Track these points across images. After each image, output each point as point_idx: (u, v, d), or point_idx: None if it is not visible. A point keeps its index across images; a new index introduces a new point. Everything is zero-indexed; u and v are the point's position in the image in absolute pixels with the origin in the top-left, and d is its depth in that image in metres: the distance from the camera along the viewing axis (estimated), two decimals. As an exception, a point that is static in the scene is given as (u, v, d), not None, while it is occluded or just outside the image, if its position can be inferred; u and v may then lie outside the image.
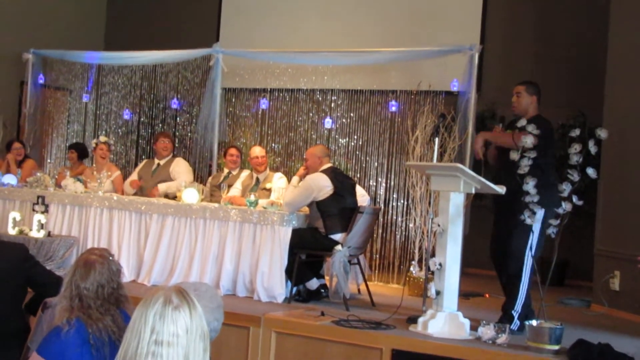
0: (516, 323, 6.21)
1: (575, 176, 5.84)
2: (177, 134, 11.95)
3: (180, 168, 8.92)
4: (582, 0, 10.37)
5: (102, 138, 9.55)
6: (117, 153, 11.81)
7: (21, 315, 4.91)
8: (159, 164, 8.92)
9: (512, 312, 6.29)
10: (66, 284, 3.49)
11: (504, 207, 6.36)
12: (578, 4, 10.41)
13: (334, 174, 7.36)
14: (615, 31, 8.31)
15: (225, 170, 8.98)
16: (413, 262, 8.26)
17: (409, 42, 10.13)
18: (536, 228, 6.19)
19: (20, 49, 11.30)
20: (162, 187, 8.52)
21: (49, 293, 4.51)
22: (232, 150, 9.07)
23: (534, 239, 6.22)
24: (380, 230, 9.52)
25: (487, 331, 5.72)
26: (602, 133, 5.92)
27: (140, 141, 12.08)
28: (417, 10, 11.12)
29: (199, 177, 10.20)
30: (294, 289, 7.21)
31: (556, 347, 5.47)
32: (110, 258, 3.60)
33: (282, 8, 12.01)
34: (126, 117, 12.06)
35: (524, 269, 6.26)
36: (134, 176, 9.08)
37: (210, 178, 9.14)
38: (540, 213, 6.07)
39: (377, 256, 9.41)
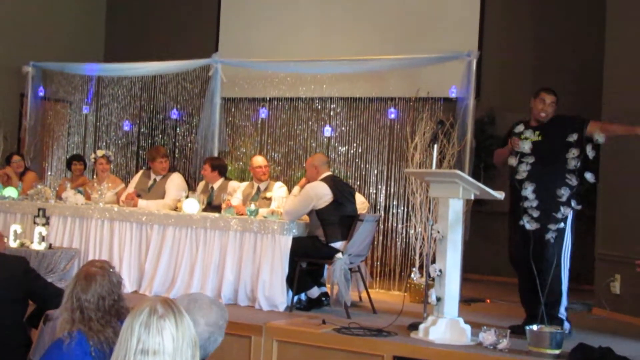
0: (566, 326, 6.28)
1: (573, 181, 5.87)
2: (177, 144, 11.98)
3: (171, 184, 8.61)
4: (580, 5, 10.40)
5: (100, 152, 9.48)
6: (117, 164, 11.83)
7: (23, 328, 4.92)
8: (155, 180, 8.75)
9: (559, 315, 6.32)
10: (67, 296, 3.51)
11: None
12: (575, 9, 10.44)
13: (334, 182, 7.38)
14: (611, 36, 8.34)
15: (209, 185, 8.73)
16: (414, 269, 8.27)
17: (407, 49, 10.15)
18: (568, 230, 6.25)
19: (20, 61, 11.33)
20: (142, 204, 8.40)
21: (51, 305, 4.53)
22: (205, 165, 8.81)
23: (567, 240, 6.27)
24: (380, 238, 9.54)
25: (488, 337, 5.73)
26: (600, 138, 5.95)
27: (140, 152, 12.10)
28: (414, 18, 11.15)
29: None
30: (295, 297, 7.22)
31: (557, 352, 5.48)
32: (111, 270, 3.62)
33: (281, 17, 12.05)
34: (126, 128, 12.07)
35: (563, 273, 6.32)
36: (130, 190, 8.77)
37: (199, 192, 8.65)
38: (570, 214, 6.13)
39: (378, 263, 9.42)
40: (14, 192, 8.94)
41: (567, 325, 6.33)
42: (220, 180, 8.69)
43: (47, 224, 7.93)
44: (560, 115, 6.63)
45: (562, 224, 6.00)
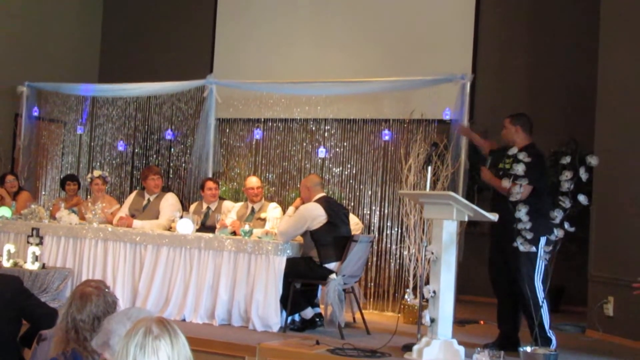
0: (553, 343, 6.44)
1: (566, 203, 5.89)
2: (171, 164, 11.98)
3: (166, 204, 8.56)
4: (573, 29, 10.46)
5: (96, 172, 9.47)
6: (111, 184, 11.81)
7: (16, 348, 4.91)
8: (149, 200, 8.71)
9: (547, 333, 6.48)
10: (62, 315, 3.51)
11: (502, 234, 6.43)
12: (569, 32, 10.50)
13: (328, 203, 7.39)
14: (604, 60, 8.39)
15: (204, 206, 8.67)
16: (407, 290, 8.27)
17: (401, 71, 10.21)
18: (539, 254, 6.37)
19: (15, 81, 11.36)
20: (137, 224, 8.38)
21: (44, 325, 4.52)
22: (210, 183, 8.72)
23: (540, 264, 6.44)
24: (374, 259, 9.52)
25: (481, 358, 5.72)
26: (593, 160, 5.98)
27: (134, 172, 12.10)
28: (408, 40, 11.20)
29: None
30: (289, 318, 7.21)
31: (551, 374, 5.50)
32: (106, 290, 3.63)
33: (275, 39, 12.10)
34: (120, 148, 12.08)
35: (538, 293, 6.47)
36: (124, 212, 8.74)
37: (192, 213, 8.61)
38: (541, 240, 6.26)
39: (372, 284, 9.41)
40: (7, 212, 8.94)
41: (554, 342, 6.50)
42: (217, 201, 8.70)
43: (40, 243, 7.93)
44: (529, 146, 6.78)
45: (533, 248, 6.08)
